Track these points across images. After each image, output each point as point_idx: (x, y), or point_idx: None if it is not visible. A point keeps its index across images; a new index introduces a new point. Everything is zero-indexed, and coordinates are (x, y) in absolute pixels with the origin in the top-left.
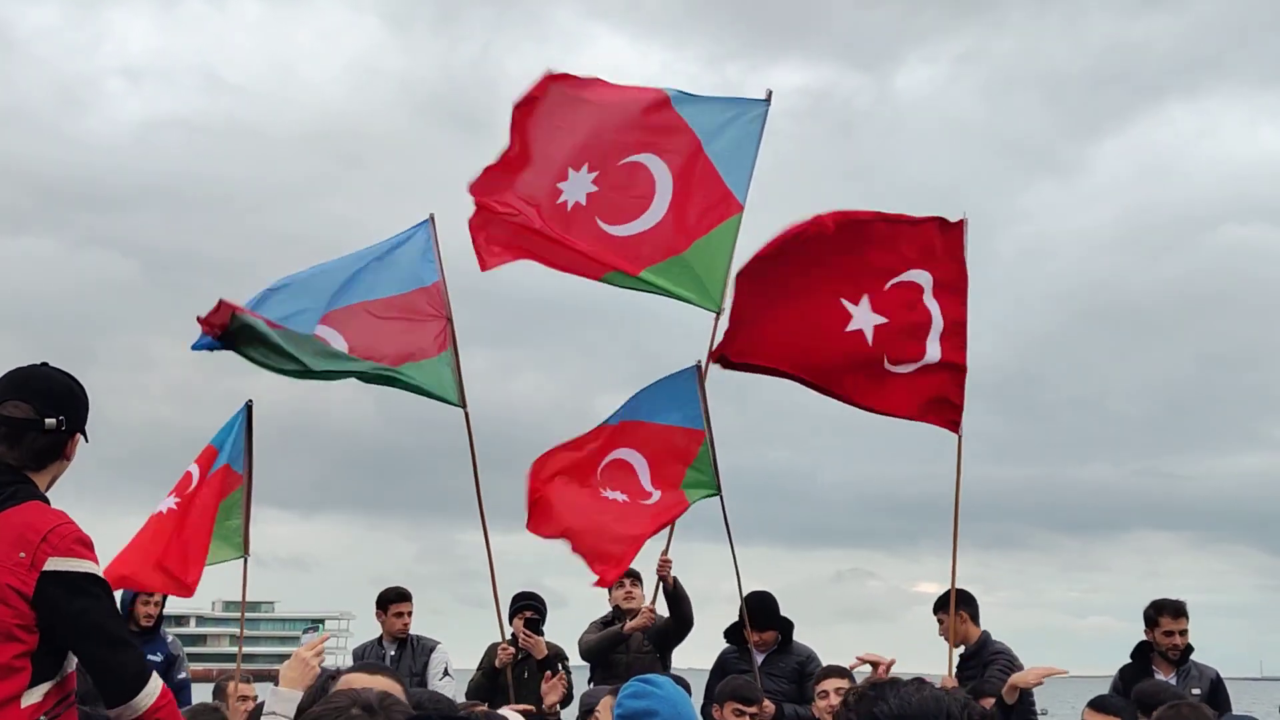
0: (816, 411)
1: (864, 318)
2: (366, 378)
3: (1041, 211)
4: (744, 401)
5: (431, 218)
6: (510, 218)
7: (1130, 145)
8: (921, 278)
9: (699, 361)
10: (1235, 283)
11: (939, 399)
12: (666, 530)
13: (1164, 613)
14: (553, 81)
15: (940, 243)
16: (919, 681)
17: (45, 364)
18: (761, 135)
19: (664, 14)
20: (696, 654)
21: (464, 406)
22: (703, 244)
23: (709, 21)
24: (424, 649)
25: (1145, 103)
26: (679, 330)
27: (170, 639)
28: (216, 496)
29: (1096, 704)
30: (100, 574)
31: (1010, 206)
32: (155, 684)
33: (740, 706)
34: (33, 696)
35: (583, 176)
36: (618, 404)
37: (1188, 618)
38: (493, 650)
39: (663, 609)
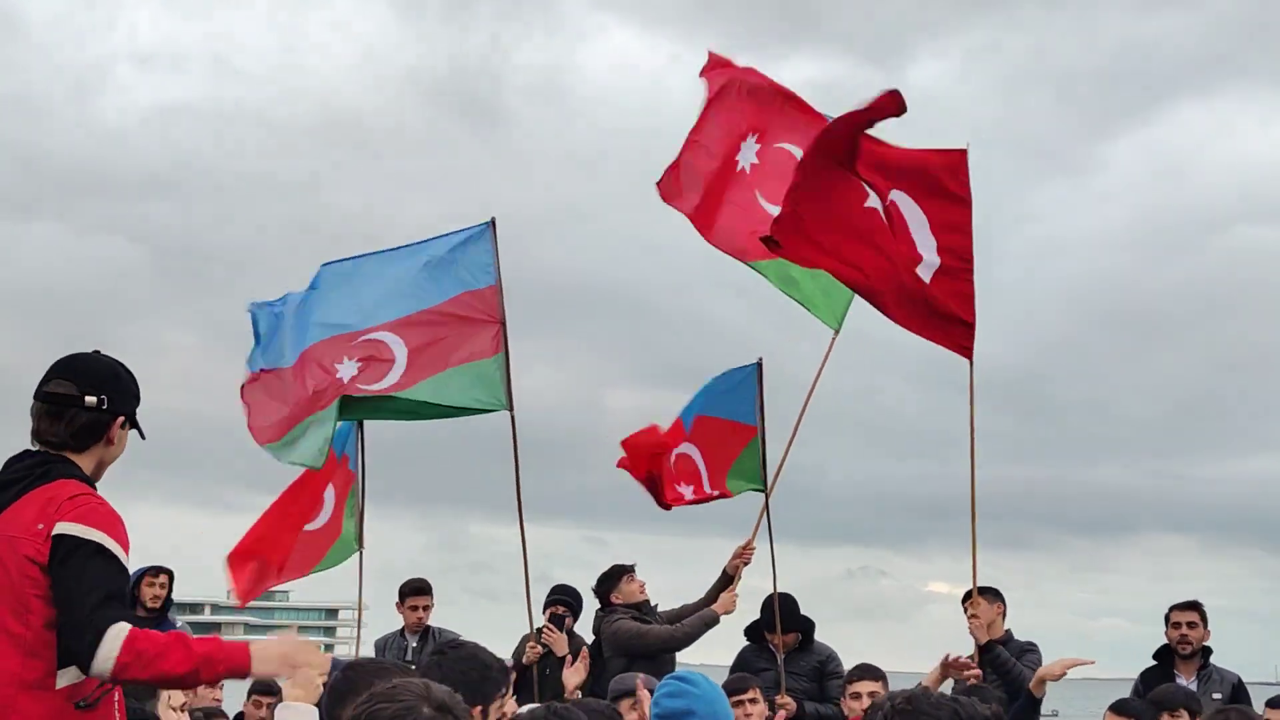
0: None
1: (875, 202)
2: (405, 413)
3: (1053, 211)
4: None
5: (493, 222)
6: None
7: (1143, 145)
8: (902, 199)
9: (760, 359)
10: (1248, 284)
11: (949, 315)
12: (755, 524)
13: (1175, 608)
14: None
15: (944, 177)
16: (951, 698)
17: (97, 351)
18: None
19: (673, 5)
20: (716, 651)
21: (511, 410)
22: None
23: (718, 13)
24: (444, 641)
25: (1159, 102)
26: (687, 327)
27: (180, 623)
28: (343, 497)
29: (1118, 707)
30: (111, 549)
31: (1021, 205)
32: (110, 645)
33: (735, 698)
34: (67, 677)
35: (750, 145)
36: (627, 400)
37: (1201, 614)
38: (524, 645)
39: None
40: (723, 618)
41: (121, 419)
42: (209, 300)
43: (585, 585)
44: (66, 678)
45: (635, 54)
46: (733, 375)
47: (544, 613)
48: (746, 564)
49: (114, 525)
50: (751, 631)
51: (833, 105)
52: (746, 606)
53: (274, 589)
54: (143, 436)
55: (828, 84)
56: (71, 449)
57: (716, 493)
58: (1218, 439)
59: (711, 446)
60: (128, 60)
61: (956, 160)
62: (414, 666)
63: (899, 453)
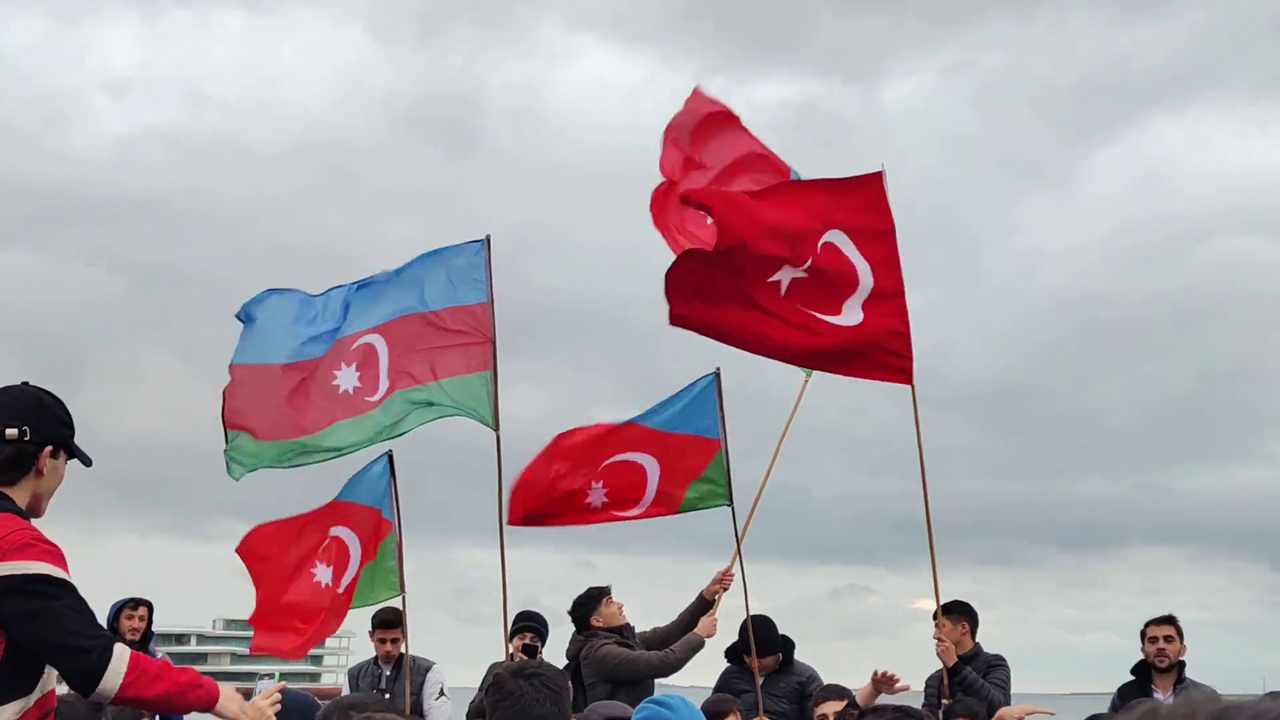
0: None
1: (786, 273)
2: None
3: (1034, 225)
4: (734, 416)
5: (488, 239)
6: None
7: (1121, 158)
8: (838, 237)
9: (718, 369)
10: (1229, 295)
11: (881, 350)
12: (734, 550)
13: (1151, 623)
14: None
15: (863, 198)
16: (904, 711)
17: (25, 383)
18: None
19: (649, 27)
20: (697, 672)
21: (496, 429)
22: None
23: (695, 34)
24: (419, 669)
25: (1135, 115)
26: (672, 345)
27: (161, 655)
28: (370, 546)
29: None
30: (56, 574)
31: (1002, 220)
32: (119, 662)
33: None
34: (6, 714)
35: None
36: (610, 415)
37: (1177, 628)
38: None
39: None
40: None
41: (50, 448)
42: (189, 328)
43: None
44: (7, 714)
45: (612, 74)
46: (691, 388)
47: (510, 640)
48: (725, 590)
49: (46, 549)
50: (732, 653)
51: (808, 125)
52: (727, 628)
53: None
54: (86, 463)
55: (804, 104)
56: (3, 483)
57: (655, 513)
58: (1203, 450)
59: (672, 461)
60: (101, 88)
61: (873, 184)
62: (388, 695)
63: (883, 470)
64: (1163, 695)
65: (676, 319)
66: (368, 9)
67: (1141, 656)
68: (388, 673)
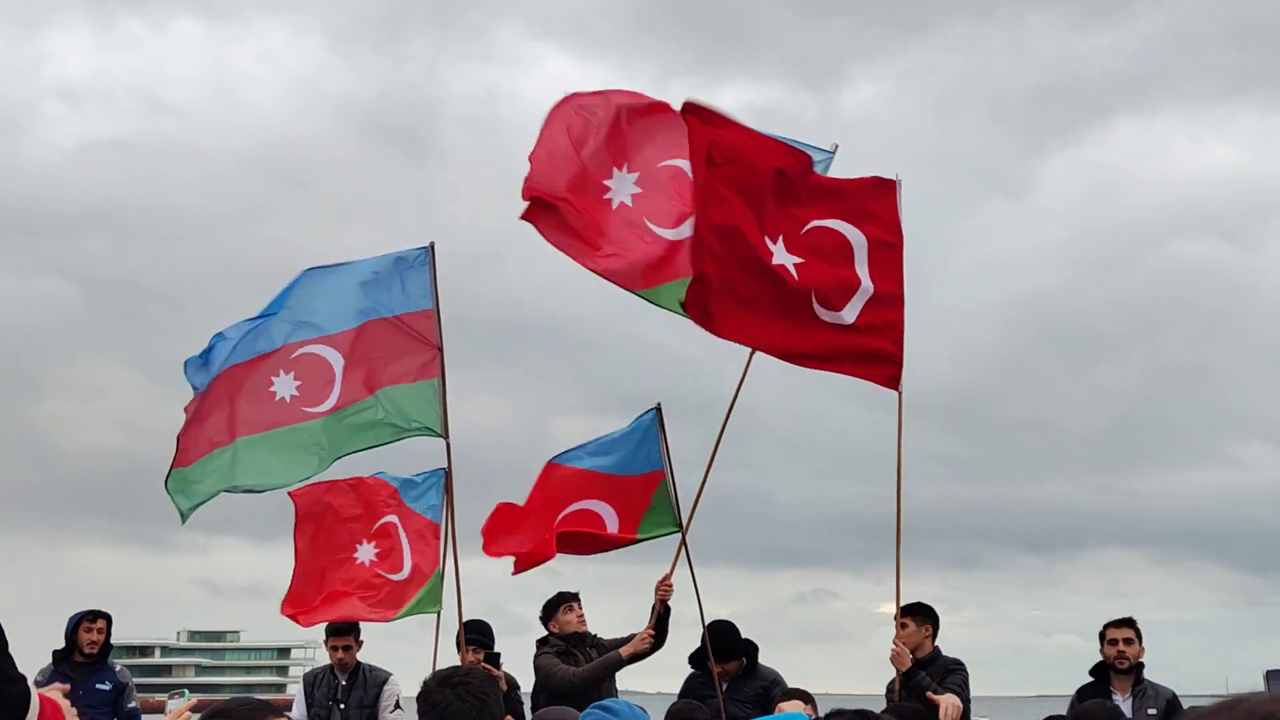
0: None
1: (782, 256)
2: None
3: (992, 231)
4: (697, 426)
5: (431, 246)
6: (561, 205)
7: (1078, 163)
8: (848, 230)
9: (658, 404)
10: (1186, 299)
11: (873, 353)
12: (673, 557)
13: (1109, 625)
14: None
15: (874, 204)
16: (863, 714)
17: None
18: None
19: (610, 33)
20: (662, 678)
21: (446, 436)
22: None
23: (655, 40)
24: (375, 680)
25: (1092, 120)
26: (628, 355)
27: (118, 668)
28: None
29: None
30: None
31: (961, 226)
32: (33, 696)
33: None
34: None
35: (623, 177)
36: (573, 428)
37: (1136, 630)
38: None
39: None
40: (671, 643)
41: None
42: (147, 338)
43: (537, 620)
44: None
45: (571, 82)
46: (637, 428)
47: (457, 649)
48: (666, 596)
49: None
50: (696, 659)
51: (770, 129)
52: (689, 635)
53: (223, 630)
54: None
55: (765, 108)
56: None
57: (625, 537)
58: (1162, 453)
59: (626, 505)
60: (55, 97)
61: (887, 190)
62: (341, 706)
63: (847, 475)
64: (1121, 697)
65: (722, 333)
66: (326, 16)
67: (1101, 658)
68: (343, 682)
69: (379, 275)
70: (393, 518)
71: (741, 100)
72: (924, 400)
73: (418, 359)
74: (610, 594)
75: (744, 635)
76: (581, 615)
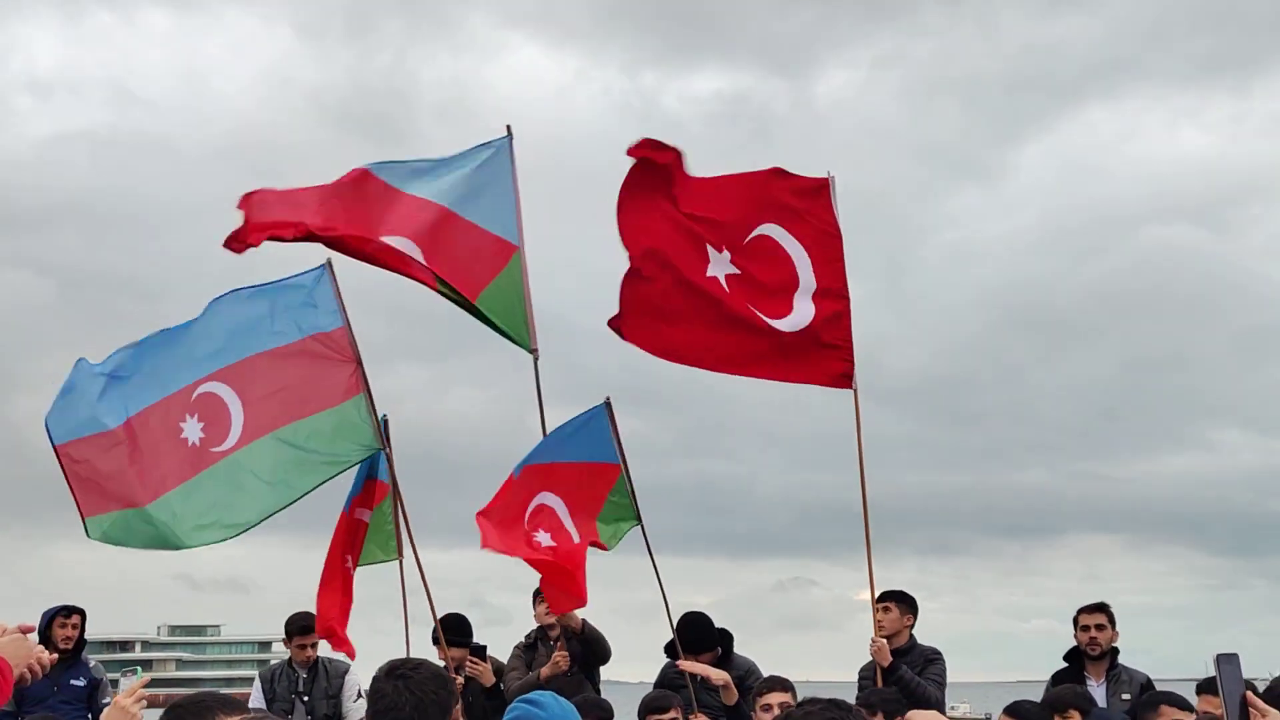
0: (748, 422)
1: (720, 267)
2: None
3: (965, 217)
4: (677, 414)
5: (329, 263)
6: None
7: (1051, 148)
8: (777, 232)
9: (608, 398)
10: (1159, 284)
11: (821, 354)
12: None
13: (1082, 611)
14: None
15: (802, 202)
16: (835, 704)
17: None
18: (513, 169)
19: (579, 21)
20: (639, 668)
21: (385, 448)
22: (490, 292)
23: (625, 28)
24: (336, 672)
25: (1064, 105)
26: (610, 346)
27: (93, 663)
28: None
29: (1011, 710)
30: None
31: (934, 212)
32: None
33: (657, 717)
34: None
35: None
36: (553, 419)
37: (1109, 615)
38: None
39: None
40: (650, 633)
41: None
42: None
43: (520, 609)
44: None
45: (542, 70)
46: (577, 419)
47: (433, 642)
48: (567, 625)
49: None
50: (671, 649)
51: (741, 118)
52: (664, 626)
53: (204, 624)
54: None
55: (736, 96)
56: None
57: (588, 543)
58: (1138, 439)
59: (574, 491)
60: (25, 89)
61: (820, 189)
62: (305, 698)
63: (825, 463)
64: (1095, 682)
65: (630, 339)
66: (295, 5)
67: (1075, 643)
68: (304, 675)
69: (275, 302)
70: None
71: (712, 87)
72: (901, 388)
73: (337, 378)
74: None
75: (721, 624)
76: (548, 610)
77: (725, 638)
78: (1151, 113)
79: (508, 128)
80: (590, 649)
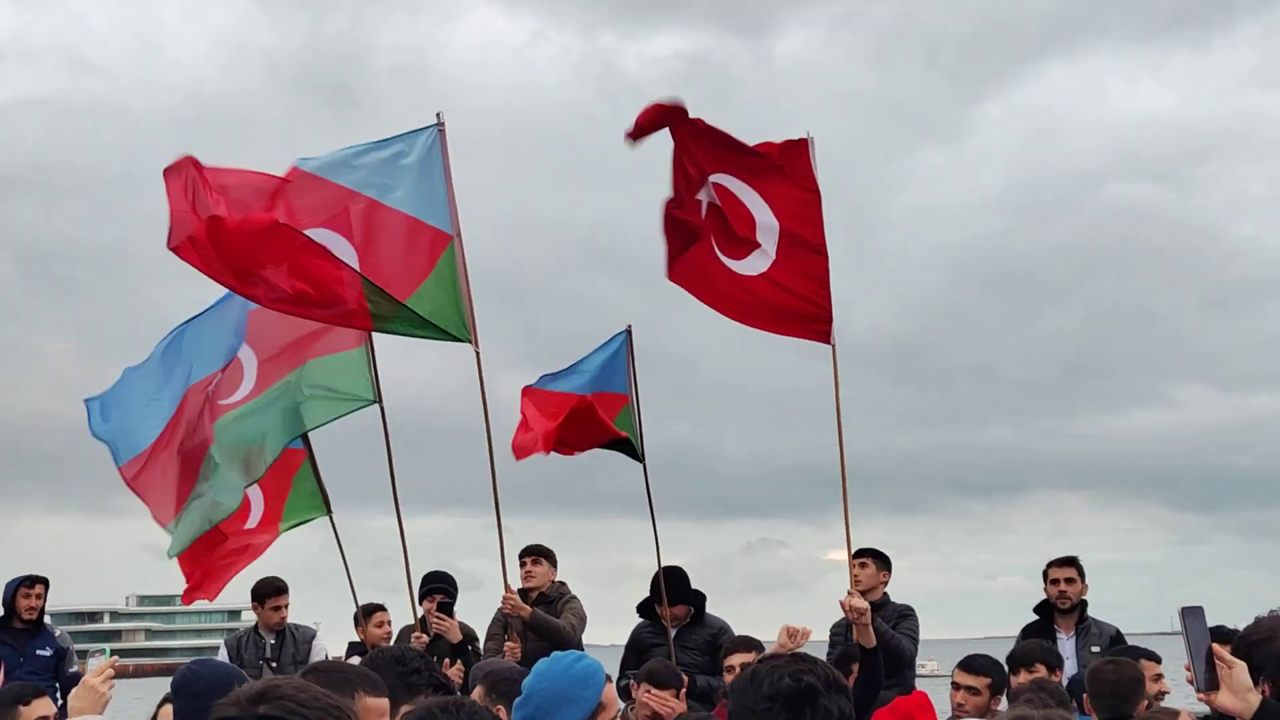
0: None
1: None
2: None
3: (928, 177)
4: (642, 375)
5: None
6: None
7: (1013, 107)
8: (735, 185)
9: (629, 326)
10: (1123, 242)
11: (799, 303)
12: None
13: (1052, 564)
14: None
15: (789, 164)
16: (800, 658)
17: None
18: (445, 158)
19: None
20: (612, 630)
21: (379, 401)
22: (426, 287)
23: None
24: (304, 638)
25: (1025, 64)
26: (568, 304)
27: (59, 633)
28: (285, 479)
29: (965, 664)
30: None
31: (897, 173)
32: None
33: (651, 688)
34: None
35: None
36: (516, 381)
37: (1079, 569)
38: (405, 636)
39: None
40: (621, 596)
41: None
42: (79, 302)
43: (490, 573)
44: None
45: (499, 31)
46: (605, 348)
47: (421, 603)
48: (513, 615)
49: None
50: (644, 608)
51: (700, 78)
52: (641, 584)
53: (173, 594)
54: None
55: (695, 56)
56: None
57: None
58: (1103, 396)
59: (596, 417)
60: None
61: (799, 150)
62: (274, 665)
63: (792, 425)
64: (1065, 635)
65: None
66: None
67: (1045, 597)
68: (272, 641)
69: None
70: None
71: (671, 48)
72: (866, 349)
73: (343, 331)
74: (562, 549)
75: (692, 586)
76: (530, 572)
77: (699, 597)
78: (1113, 69)
79: (438, 115)
80: (546, 639)
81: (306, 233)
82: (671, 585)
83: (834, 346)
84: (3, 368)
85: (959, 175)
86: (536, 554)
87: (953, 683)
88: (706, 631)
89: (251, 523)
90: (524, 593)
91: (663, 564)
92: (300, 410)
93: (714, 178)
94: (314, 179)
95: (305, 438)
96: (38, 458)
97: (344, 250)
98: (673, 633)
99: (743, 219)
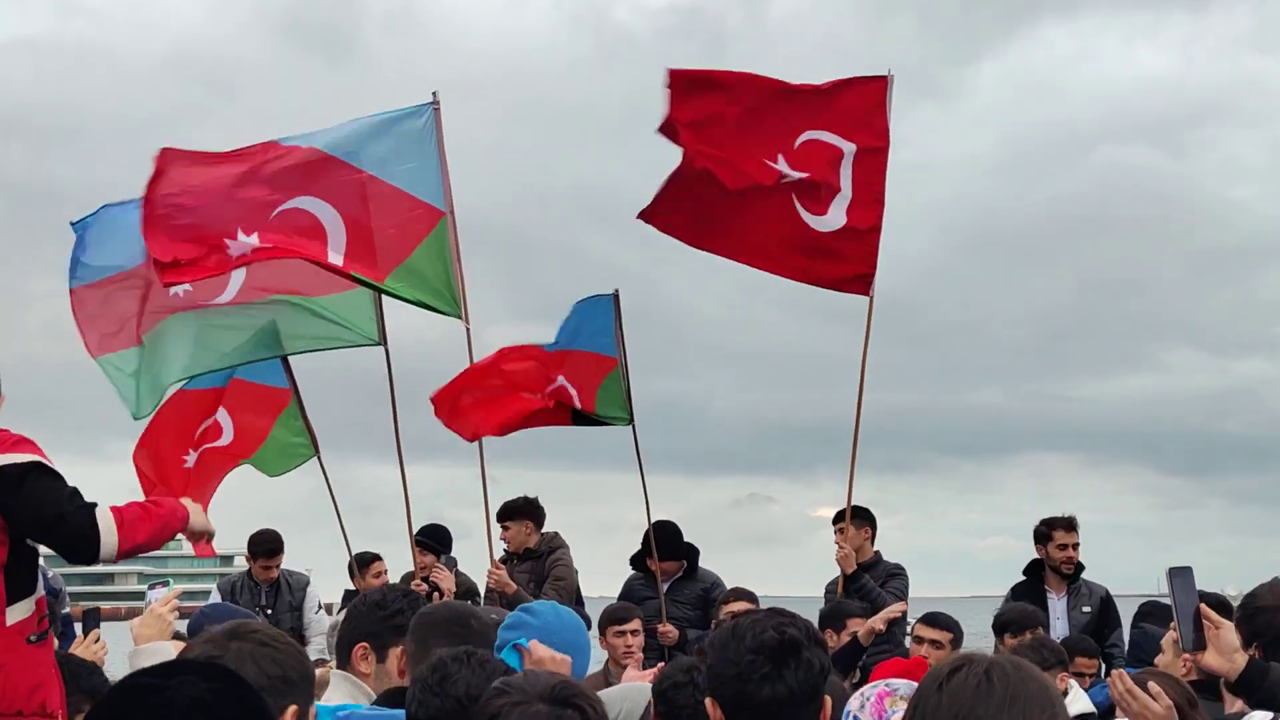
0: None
1: (784, 169)
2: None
3: (921, 137)
4: (631, 331)
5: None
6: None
7: (1008, 68)
8: (837, 141)
9: (616, 290)
10: (1115, 203)
11: (848, 259)
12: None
13: (1056, 527)
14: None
15: (862, 107)
16: (778, 612)
17: None
18: (439, 137)
19: None
20: (606, 582)
21: (384, 343)
22: (414, 260)
23: None
24: (299, 585)
25: (1021, 24)
26: (558, 258)
27: (50, 573)
28: (266, 417)
29: (928, 619)
30: (46, 463)
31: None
32: (107, 522)
33: (618, 628)
34: (16, 614)
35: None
36: (505, 336)
37: (1078, 532)
38: (405, 583)
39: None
40: (611, 548)
41: None
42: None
43: (477, 525)
44: (17, 613)
45: None
46: (591, 306)
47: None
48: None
49: (30, 442)
50: (636, 561)
51: (692, 33)
52: (631, 537)
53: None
54: None
55: (690, 9)
56: None
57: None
58: (1092, 358)
59: (579, 377)
60: None
61: (878, 89)
62: (269, 612)
63: (781, 381)
64: (1056, 595)
65: (663, 228)
66: None
67: (1036, 556)
68: (266, 588)
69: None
70: (221, 414)
71: (663, 4)
72: (853, 307)
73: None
74: (549, 502)
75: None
76: (510, 534)
77: (692, 551)
78: (1108, 30)
79: (434, 95)
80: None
81: (295, 201)
82: (663, 540)
83: (871, 299)
84: None
85: (952, 135)
86: (505, 517)
87: (915, 636)
88: (699, 586)
89: (224, 441)
90: (509, 556)
91: (653, 518)
92: (284, 330)
93: (818, 134)
94: (308, 151)
95: (292, 378)
96: (30, 400)
97: (332, 221)
98: (664, 586)
99: (832, 174)
